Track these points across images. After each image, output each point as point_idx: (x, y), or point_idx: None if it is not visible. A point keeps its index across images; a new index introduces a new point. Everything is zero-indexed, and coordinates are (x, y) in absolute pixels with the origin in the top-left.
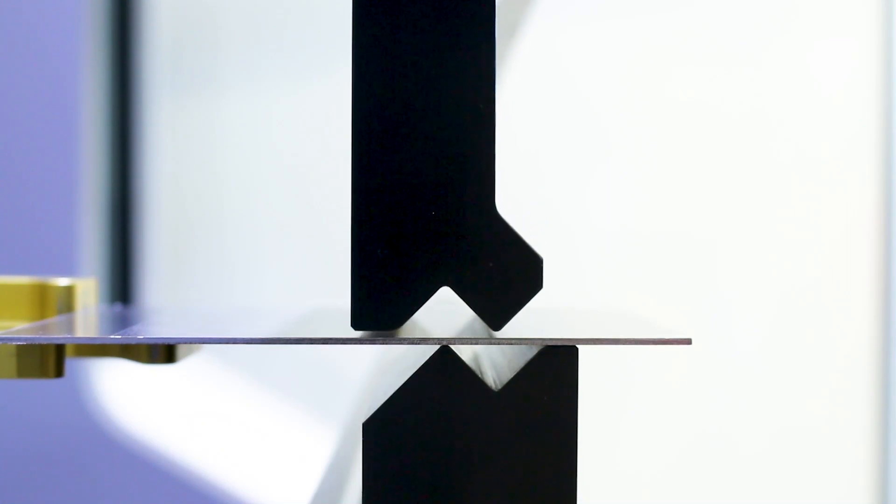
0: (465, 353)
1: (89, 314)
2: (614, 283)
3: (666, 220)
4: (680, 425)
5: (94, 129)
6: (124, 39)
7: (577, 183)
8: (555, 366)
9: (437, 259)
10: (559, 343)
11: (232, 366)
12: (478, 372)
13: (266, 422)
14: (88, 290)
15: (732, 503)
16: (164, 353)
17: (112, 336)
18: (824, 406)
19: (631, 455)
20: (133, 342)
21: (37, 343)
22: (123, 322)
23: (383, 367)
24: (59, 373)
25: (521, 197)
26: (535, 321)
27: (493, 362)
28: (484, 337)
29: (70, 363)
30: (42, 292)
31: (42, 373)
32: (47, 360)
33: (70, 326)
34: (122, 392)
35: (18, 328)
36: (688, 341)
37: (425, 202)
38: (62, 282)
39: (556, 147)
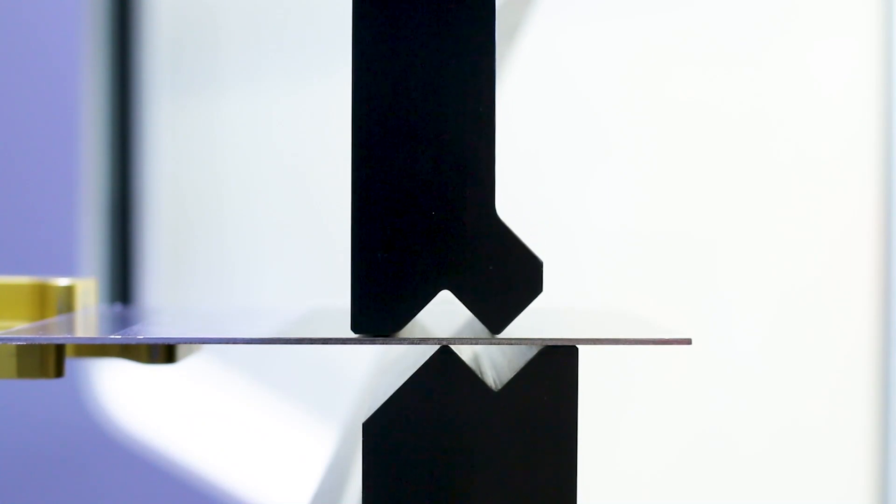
0: (465, 353)
1: (89, 314)
2: (614, 283)
3: (666, 220)
4: (680, 425)
5: (94, 129)
6: (124, 39)
7: (577, 183)
8: (555, 366)
9: (437, 263)
10: (559, 343)
11: (232, 366)
12: (478, 372)
13: (266, 422)
14: (88, 290)
15: (732, 503)
16: (164, 353)
17: (112, 336)
18: (824, 406)
19: (631, 455)
20: (133, 342)
21: (37, 343)
22: (123, 322)
23: (383, 368)
24: (59, 373)
25: (521, 197)
26: (534, 321)
27: (493, 362)
28: (484, 337)
29: (70, 363)
30: (42, 292)
31: (42, 373)
32: (47, 360)
33: (70, 326)
34: (122, 392)
35: (18, 328)
36: (688, 341)
37: (425, 205)
38: (62, 282)
39: (556, 147)
